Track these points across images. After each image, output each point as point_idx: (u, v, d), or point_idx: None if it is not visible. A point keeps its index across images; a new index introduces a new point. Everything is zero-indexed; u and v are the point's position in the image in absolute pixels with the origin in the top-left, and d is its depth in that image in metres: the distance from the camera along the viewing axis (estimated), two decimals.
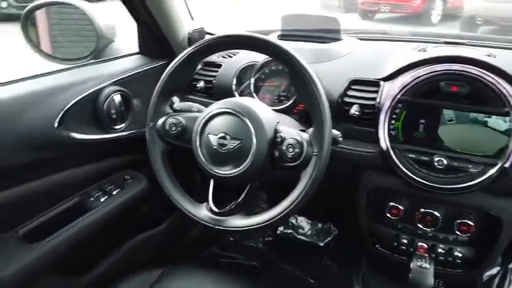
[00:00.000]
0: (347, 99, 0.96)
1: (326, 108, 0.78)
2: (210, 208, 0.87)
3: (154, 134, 0.92)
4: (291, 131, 0.82)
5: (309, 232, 1.73)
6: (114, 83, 1.08)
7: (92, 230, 1.05)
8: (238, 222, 0.83)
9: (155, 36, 1.21)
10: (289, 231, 1.75)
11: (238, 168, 0.80)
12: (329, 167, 0.82)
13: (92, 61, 1.17)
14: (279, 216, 0.78)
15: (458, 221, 0.90)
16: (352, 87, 0.98)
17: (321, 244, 1.68)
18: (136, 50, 1.27)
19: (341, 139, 0.83)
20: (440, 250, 0.96)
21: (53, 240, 0.96)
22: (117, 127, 1.10)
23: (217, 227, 0.85)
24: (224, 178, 0.83)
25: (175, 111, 0.95)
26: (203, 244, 1.63)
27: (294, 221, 1.77)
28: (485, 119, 0.83)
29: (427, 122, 0.88)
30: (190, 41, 1.25)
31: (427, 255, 0.92)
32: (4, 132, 0.88)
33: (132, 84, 1.14)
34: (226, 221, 0.84)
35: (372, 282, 1.17)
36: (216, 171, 0.83)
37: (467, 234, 0.90)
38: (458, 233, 0.91)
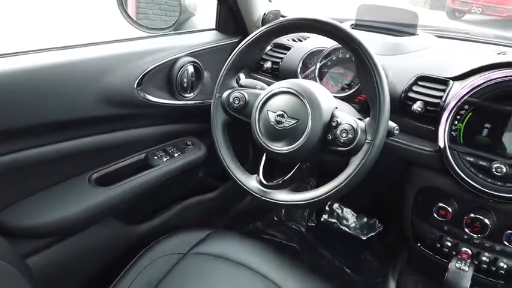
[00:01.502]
0: (411, 95, 0.96)
1: (386, 99, 0.79)
2: (260, 180, 0.92)
3: (219, 104, 0.99)
4: (347, 117, 0.84)
5: (353, 225, 1.73)
6: (189, 54, 1.17)
7: (153, 185, 1.15)
8: (283, 196, 0.88)
9: (232, 14, 1.27)
10: (333, 220, 1.77)
11: (290, 146, 0.84)
12: (383, 161, 0.83)
13: (172, 32, 1.26)
14: (322, 197, 0.82)
15: (509, 231, 0.87)
16: (419, 83, 0.96)
17: (364, 238, 1.68)
18: (213, 26, 1.35)
19: (397, 132, 0.84)
20: (484, 258, 0.93)
21: (119, 187, 1.08)
22: (186, 95, 1.19)
23: (263, 198, 0.90)
24: (276, 153, 0.87)
25: (240, 86, 1.01)
26: (249, 218, 1.71)
27: (339, 211, 1.78)
28: None
29: (492, 127, 0.85)
30: (264, 21, 1.30)
31: (467, 258, 0.91)
32: (90, 87, 0.99)
33: (205, 57, 1.22)
34: (273, 194, 0.89)
35: (407, 279, 1.16)
36: (270, 146, 0.88)
37: None
38: (506, 243, 0.88)
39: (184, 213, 1.35)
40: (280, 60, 1.22)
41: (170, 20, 1.30)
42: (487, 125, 0.86)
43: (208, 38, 1.29)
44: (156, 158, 1.19)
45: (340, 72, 1.11)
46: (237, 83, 1.02)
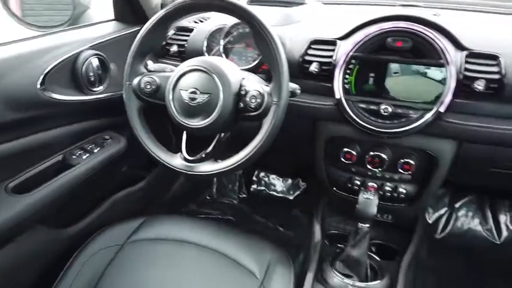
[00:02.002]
0: (307, 58, 1.05)
1: (284, 63, 0.87)
2: (184, 157, 0.96)
3: (131, 92, 1.00)
4: (254, 84, 0.90)
5: (280, 188, 1.87)
6: (92, 48, 1.15)
7: (76, 185, 1.13)
8: (208, 167, 0.93)
9: (130, 3, 1.27)
10: (262, 188, 1.89)
11: (207, 120, 0.89)
12: (292, 121, 0.92)
13: (70, 27, 1.22)
14: (244, 159, 0.89)
15: (402, 160, 1.03)
16: (312, 46, 1.06)
17: (291, 198, 1.82)
18: (112, 17, 1.33)
19: (299, 91, 0.94)
20: (387, 188, 1.10)
21: (39, 192, 1.04)
22: (95, 89, 1.17)
23: (190, 172, 0.94)
24: (195, 129, 0.91)
25: (149, 71, 1.03)
26: (181, 202, 1.75)
27: (266, 179, 1.91)
28: (425, 70, 0.95)
29: (376, 75, 0.99)
30: (163, 6, 1.32)
31: (373, 190, 1.06)
32: None
33: (109, 49, 1.20)
34: (198, 167, 0.94)
35: (329, 221, 1.31)
36: (188, 123, 0.92)
37: (409, 172, 1.04)
38: (401, 171, 1.04)
39: (115, 208, 1.34)
40: (185, 43, 1.25)
41: (64, 15, 1.25)
42: (371, 74, 0.99)
43: (109, 29, 1.27)
44: (74, 157, 1.16)
45: (243, 47, 1.17)
46: (146, 68, 1.04)
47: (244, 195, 1.89)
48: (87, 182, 1.16)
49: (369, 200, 0.99)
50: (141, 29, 1.16)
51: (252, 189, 1.90)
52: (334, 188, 1.20)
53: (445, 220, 1.66)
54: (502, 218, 1.63)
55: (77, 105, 1.14)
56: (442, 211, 1.68)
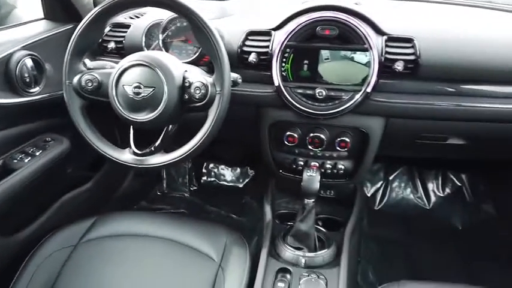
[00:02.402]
0: (245, 49, 1.10)
1: (224, 55, 0.91)
2: (133, 151, 0.98)
3: (71, 90, 0.99)
4: (197, 76, 0.94)
5: (230, 178, 1.93)
6: (24, 48, 1.11)
7: (20, 189, 1.09)
8: (159, 159, 0.96)
9: (60, 1, 1.23)
10: (212, 179, 1.93)
11: (153, 113, 0.91)
12: (236, 109, 0.96)
13: None
14: (193, 148, 0.93)
15: (339, 139, 1.13)
16: (249, 37, 1.11)
17: (241, 186, 1.89)
18: (41, 16, 1.28)
19: (240, 81, 0.99)
20: (328, 165, 1.20)
21: None
22: (32, 90, 1.13)
23: (141, 166, 0.96)
24: (142, 123, 0.93)
25: (89, 69, 1.03)
26: (132, 199, 1.74)
27: (215, 170, 1.95)
28: (352, 55, 1.04)
29: (309, 62, 1.07)
30: (96, 3, 1.30)
31: (315, 168, 1.15)
32: None
33: (42, 49, 1.17)
34: (148, 160, 0.96)
35: (278, 203, 1.40)
36: (134, 117, 0.93)
37: (346, 149, 1.14)
38: (339, 149, 1.14)
39: (64, 210, 1.32)
40: (122, 39, 1.24)
41: None
42: (305, 61, 1.07)
43: (40, 28, 1.23)
44: (15, 161, 1.12)
45: (182, 40, 1.19)
46: (85, 66, 1.03)
47: (195, 188, 1.92)
48: (32, 186, 1.13)
49: (312, 177, 1.08)
50: (74, 26, 1.14)
51: (202, 181, 1.93)
52: (281, 171, 1.27)
53: (382, 192, 1.83)
54: (430, 186, 1.83)
55: (14, 108, 1.10)
56: (379, 184, 1.84)
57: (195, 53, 1.15)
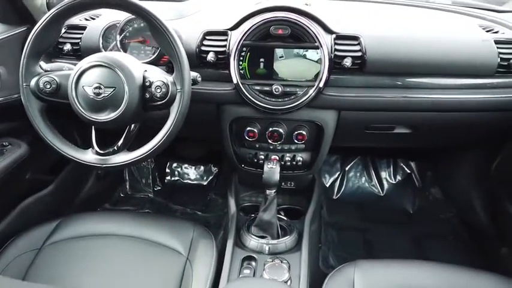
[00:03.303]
0: (203, 48, 1.14)
1: (183, 54, 0.95)
2: (96, 151, 0.99)
3: (29, 93, 0.98)
4: (157, 75, 0.97)
5: (193, 176, 1.95)
6: None
7: None
8: (122, 158, 0.98)
9: (11, 3, 1.21)
10: (176, 178, 1.94)
11: (115, 113, 0.93)
12: (198, 108, 1.00)
13: None
14: (157, 146, 0.95)
15: (296, 132, 1.19)
16: (207, 37, 1.15)
17: (205, 183, 1.92)
18: None
19: (200, 79, 1.03)
20: (287, 158, 1.26)
21: None
22: None
23: (104, 165, 0.98)
24: (104, 123, 0.95)
25: (46, 71, 1.02)
26: (95, 201, 1.72)
27: (179, 169, 1.97)
28: (304, 53, 1.10)
29: (265, 60, 1.12)
30: (49, 5, 1.28)
31: (275, 160, 1.21)
32: None
33: None
34: (111, 159, 0.98)
35: (242, 196, 1.45)
36: (96, 117, 0.94)
37: (303, 142, 1.21)
38: (297, 142, 1.21)
39: (26, 215, 1.29)
40: (79, 41, 1.24)
41: None
42: (261, 60, 1.12)
43: None
44: None
45: (140, 41, 1.21)
46: (42, 69, 1.02)
47: (159, 188, 1.92)
48: None
49: (272, 169, 1.13)
50: (28, 29, 1.13)
51: (166, 180, 1.94)
52: (243, 165, 1.32)
53: (339, 182, 1.93)
54: (383, 174, 1.95)
55: None
56: (336, 175, 1.94)
57: (153, 54, 1.17)
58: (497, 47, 1.12)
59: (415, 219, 1.80)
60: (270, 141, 1.21)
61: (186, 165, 1.96)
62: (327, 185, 1.92)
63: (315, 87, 1.10)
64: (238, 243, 1.16)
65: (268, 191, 1.15)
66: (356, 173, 1.95)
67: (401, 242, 1.65)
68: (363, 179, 1.95)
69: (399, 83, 1.14)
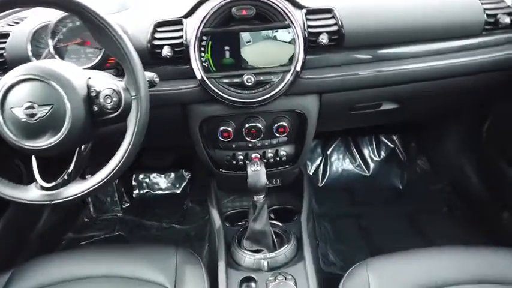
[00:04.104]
0: (156, 42, 0.99)
1: (133, 53, 0.80)
2: (40, 185, 0.82)
3: None
4: (105, 82, 0.81)
5: (165, 185, 1.78)
6: None
7: None
8: (76, 188, 0.81)
9: None
10: (145, 190, 1.77)
11: (56, 136, 0.77)
12: (160, 112, 0.86)
13: None
14: (117, 167, 0.80)
15: (276, 125, 1.06)
16: (158, 29, 1.00)
17: (179, 191, 1.76)
18: None
19: (157, 79, 0.88)
20: (270, 154, 1.14)
21: None
22: None
23: (53, 201, 0.81)
24: (45, 150, 0.78)
25: None
26: (55, 234, 1.52)
27: (147, 180, 1.80)
28: (274, 34, 0.97)
29: (230, 48, 0.97)
30: None
31: (258, 160, 1.07)
32: None
33: None
34: (63, 192, 0.82)
35: (224, 203, 1.31)
36: (32, 145, 0.77)
37: (285, 134, 1.08)
38: (278, 135, 1.08)
39: None
40: (3, 51, 1.04)
41: None
42: (226, 48, 0.98)
43: None
44: None
45: (78, 43, 1.03)
46: None
47: (128, 204, 1.74)
48: None
49: (257, 171, 0.99)
50: None
51: (134, 195, 1.77)
52: (221, 169, 1.18)
53: (323, 168, 1.83)
54: (366, 152, 1.88)
55: None
56: (318, 161, 1.84)
57: (97, 56, 1.00)
58: (482, 3, 1.05)
59: (406, 195, 1.75)
60: (248, 139, 1.07)
61: (154, 175, 1.78)
62: (311, 173, 1.82)
63: (291, 71, 0.98)
64: (231, 263, 1.02)
65: (256, 197, 1.01)
66: (339, 155, 1.86)
67: (397, 222, 1.59)
68: (347, 160, 1.86)
69: (382, 55, 1.05)
